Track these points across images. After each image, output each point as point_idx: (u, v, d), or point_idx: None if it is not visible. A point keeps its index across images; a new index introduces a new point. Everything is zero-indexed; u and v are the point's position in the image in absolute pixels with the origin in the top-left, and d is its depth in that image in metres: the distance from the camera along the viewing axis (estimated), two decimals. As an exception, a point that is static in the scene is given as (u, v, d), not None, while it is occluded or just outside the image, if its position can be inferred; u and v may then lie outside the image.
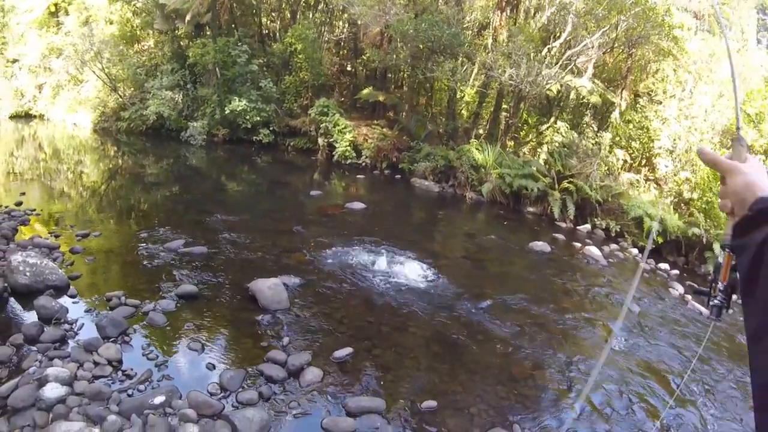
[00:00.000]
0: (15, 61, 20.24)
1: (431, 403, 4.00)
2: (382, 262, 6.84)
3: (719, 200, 0.92)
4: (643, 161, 12.15)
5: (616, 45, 13.07)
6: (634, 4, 11.64)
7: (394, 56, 14.18)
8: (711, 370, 5.29)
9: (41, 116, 19.63)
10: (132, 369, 3.94)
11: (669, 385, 4.91)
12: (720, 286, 0.94)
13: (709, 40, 12.78)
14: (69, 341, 4.25)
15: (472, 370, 4.64)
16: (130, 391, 3.70)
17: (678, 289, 7.73)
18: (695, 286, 7.78)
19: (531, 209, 11.15)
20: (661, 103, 11.83)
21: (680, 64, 12.21)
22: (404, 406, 3.96)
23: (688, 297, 7.37)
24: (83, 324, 4.53)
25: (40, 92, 19.97)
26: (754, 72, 11.51)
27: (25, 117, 19.49)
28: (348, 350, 4.54)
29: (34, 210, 7.79)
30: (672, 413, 4.38)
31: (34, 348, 4.05)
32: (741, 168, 0.87)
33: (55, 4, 20.37)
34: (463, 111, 15.71)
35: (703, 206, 9.62)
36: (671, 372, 5.14)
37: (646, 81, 13.24)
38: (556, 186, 10.94)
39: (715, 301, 0.95)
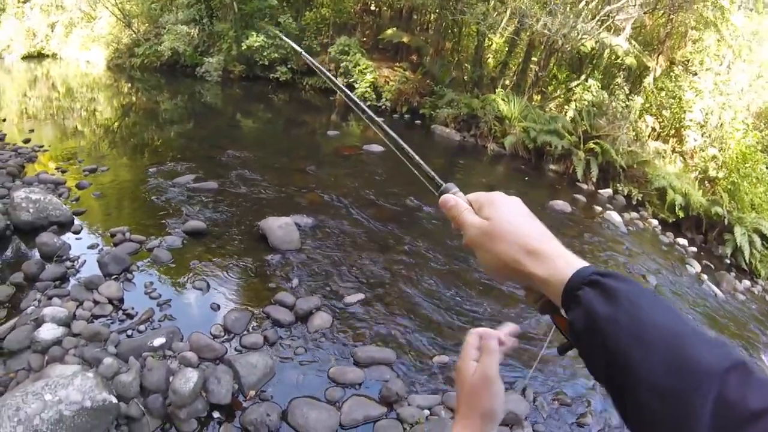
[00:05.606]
0: (26, 0, 19.61)
1: (443, 359, 3.81)
2: (399, 207, 6.54)
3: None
4: (672, 131, 11.47)
5: (658, 6, 12.15)
6: (683, -34, 10.71)
7: (422, -5, 13.30)
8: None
9: (54, 55, 19.11)
10: (133, 308, 3.77)
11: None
12: None
13: (753, 18, 11.94)
14: (70, 279, 4.08)
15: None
16: (129, 332, 3.54)
17: (695, 266, 7.39)
18: (711, 266, 7.51)
19: (553, 167, 10.64)
20: (696, 74, 11.09)
21: (721, 37, 11.35)
22: (415, 360, 3.77)
23: (704, 276, 7.09)
24: (85, 261, 4.34)
25: (52, 31, 19.35)
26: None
27: (38, 57, 18.93)
28: (359, 296, 4.34)
29: (42, 146, 7.55)
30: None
31: (34, 287, 3.87)
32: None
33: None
34: (490, 59, 14.92)
35: (729, 186, 9.14)
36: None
37: (684, 49, 12.30)
38: (582, 146, 10.35)
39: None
